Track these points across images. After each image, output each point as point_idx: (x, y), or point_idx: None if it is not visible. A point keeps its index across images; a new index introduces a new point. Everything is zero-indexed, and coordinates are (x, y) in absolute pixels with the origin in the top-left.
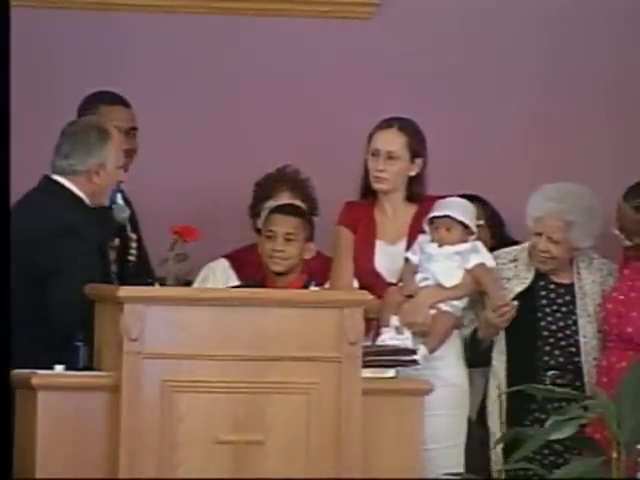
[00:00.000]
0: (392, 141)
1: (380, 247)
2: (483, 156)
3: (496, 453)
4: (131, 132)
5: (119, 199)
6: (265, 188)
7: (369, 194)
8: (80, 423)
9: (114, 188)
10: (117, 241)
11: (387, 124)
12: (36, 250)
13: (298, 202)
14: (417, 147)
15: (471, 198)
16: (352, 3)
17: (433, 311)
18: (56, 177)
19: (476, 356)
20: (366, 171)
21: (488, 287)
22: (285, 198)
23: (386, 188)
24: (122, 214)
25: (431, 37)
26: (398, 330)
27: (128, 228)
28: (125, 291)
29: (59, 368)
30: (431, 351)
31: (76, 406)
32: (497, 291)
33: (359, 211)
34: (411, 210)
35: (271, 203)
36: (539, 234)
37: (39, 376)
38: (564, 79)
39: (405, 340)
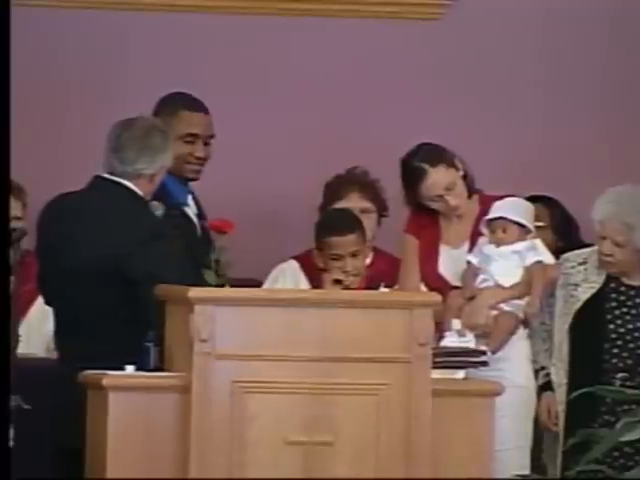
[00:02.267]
0: (441, 179)
1: (445, 251)
2: (555, 156)
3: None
4: (209, 140)
5: (190, 200)
6: (335, 189)
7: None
8: (150, 424)
9: (185, 190)
10: None
11: (420, 170)
12: (128, 253)
13: (367, 203)
14: (450, 158)
15: (540, 198)
16: (420, 4)
17: (495, 312)
18: (115, 178)
19: None
20: (413, 196)
21: (534, 288)
22: (355, 199)
23: (463, 210)
24: (157, 212)
25: (499, 35)
26: (460, 333)
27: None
28: (195, 292)
29: (130, 369)
30: (493, 352)
31: (146, 407)
32: (537, 296)
33: (424, 217)
34: (474, 210)
35: (341, 204)
36: (603, 238)
37: (110, 377)
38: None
39: (468, 342)
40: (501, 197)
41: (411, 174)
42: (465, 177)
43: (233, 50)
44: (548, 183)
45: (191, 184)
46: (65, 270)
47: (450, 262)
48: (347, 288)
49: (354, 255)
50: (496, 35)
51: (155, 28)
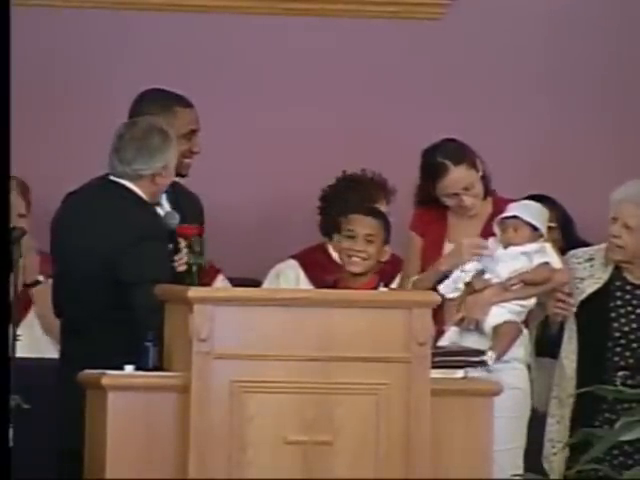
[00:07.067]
0: (461, 178)
1: (449, 248)
2: (556, 157)
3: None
4: (197, 133)
5: (164, 200)
6: (335, 189)
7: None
8: (150, 423)
9: None
10: (170, 246)
11: (442, 166)
12: (117, 254)
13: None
14: (472, 158)
15: (541, 198)
16: (421, 4)
17: (497, 309)
18: (118, 180)
19: (544, 344)
20: (428, 189)
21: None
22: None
23: (476, 211)
24: (172, 220)
25: (500, 35)
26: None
27: None
28: (195, 292)
29: (129, 368)
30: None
31: (146, 406)
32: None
33: (431, 213)
34: (486, 211)
35: (341, 204)
36: (615, 219)
37: (109, 376)
38: (636, 77)
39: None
40: (514, 201)
41: (432, 168)
42: (483, 178)
43: (233, 49)
44: (548, 183)
45: (189, 183)
46: (65, 271)
47: None
48: (353, 274)
49: (368, 240)
50: (497, 35)
51: (155, 28)
